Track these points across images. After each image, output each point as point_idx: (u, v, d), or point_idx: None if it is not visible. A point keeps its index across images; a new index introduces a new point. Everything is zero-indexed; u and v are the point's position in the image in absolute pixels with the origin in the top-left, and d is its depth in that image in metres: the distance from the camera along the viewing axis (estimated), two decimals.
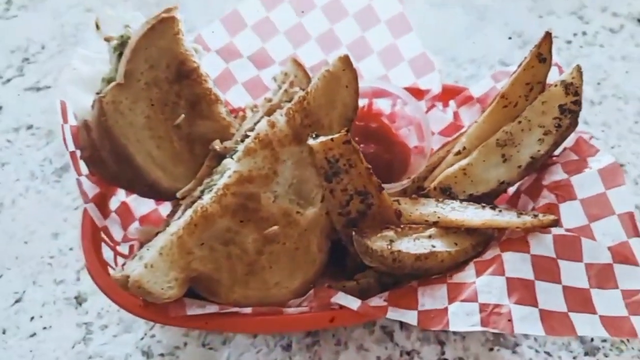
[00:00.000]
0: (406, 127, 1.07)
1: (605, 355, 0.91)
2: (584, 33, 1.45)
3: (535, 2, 1.53)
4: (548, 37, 0.91)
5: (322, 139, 0.81)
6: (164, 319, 0.80)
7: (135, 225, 1.00)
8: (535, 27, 1.44)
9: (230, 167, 0.83)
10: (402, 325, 0.95)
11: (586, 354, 0.92)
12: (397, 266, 0.79)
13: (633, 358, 0.91)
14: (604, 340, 0.93)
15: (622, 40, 1.43)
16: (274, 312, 0.82)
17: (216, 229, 0.80)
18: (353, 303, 0.79)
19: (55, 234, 1.12)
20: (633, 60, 1.38)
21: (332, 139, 0.80)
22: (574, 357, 0.92)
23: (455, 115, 1.08)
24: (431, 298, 0.80)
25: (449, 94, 1.09)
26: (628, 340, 0.93)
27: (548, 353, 0.92)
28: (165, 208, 1.02)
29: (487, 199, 0.90)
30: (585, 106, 1.25)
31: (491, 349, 0.92)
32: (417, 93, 1.08)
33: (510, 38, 1.41)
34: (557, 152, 0.93)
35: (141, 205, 1.02)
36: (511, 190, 0.96)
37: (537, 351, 0.92)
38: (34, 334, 0.99)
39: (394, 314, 0.78)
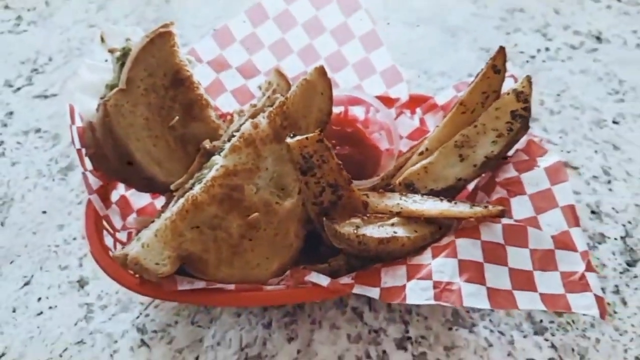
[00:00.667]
0: (378, 132, 1.14)
1: (552, 334, 0.97)
2: (547, 49, 1.54)
3: (504, 21, 1.62)
4: (502, 51, 0.98)
5: (298, 137, 0.87)
6: (158, 294, 0.87)
7: (133, 216, 1.05)
8: (503, 43, 1.47)
9: (218, 162, 0.88)
10: (371, 306, 1.01)
11: (535, 333, 0.98)
12: (362, 248, 0.85)
13: (577, 337, 0.97)
14: (552, 322, 0.99)
15: (581, 55, 1.52)
16: (255, 289, 0.87)
17: (205, 215, 0.85)
18: (324, 281, 0.86)
19: (60, 225, 1.17)
20: (591, 74, 1.46)
21: (306, 138, 0.86)
22: (524, 336, 0.97)
23: (422, 121, 1.15)
24: (392, 277, 0.86)
25: (415, 102, 1.16)
26: (573, 321, 0.99)
27: (501, 332, 0.98)
28: (159, 202, 1.08)
29: (446, 194, 0.96)
30: (546, 115, 1.35)
31: (450, 329, 0.98)
32: (387, 101, 1.15)
33: (477, 52, 1.51)
34: (510, 153, 0.98)
35: (139, 199, 1.07)
36: (471, 187, 1.02)
37: (491, 331, 0.98)
38: (41, 313, 1.03)
39: (359, 289, 0.85)
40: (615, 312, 1.01)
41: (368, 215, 0.91)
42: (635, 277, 1.06)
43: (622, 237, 1.12)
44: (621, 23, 1.61)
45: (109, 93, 0.93)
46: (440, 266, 0.85)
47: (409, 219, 0.92)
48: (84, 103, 0.97)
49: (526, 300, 0.84)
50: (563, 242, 0.88)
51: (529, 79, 0.97)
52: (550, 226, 0.90)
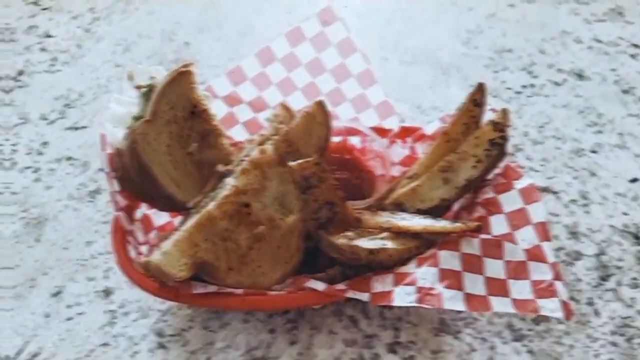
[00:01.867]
0: (373, 159, 1.21)
1: (530, 341, 1.03)
2: (532, 85, 1.62)
3: (492, 60, 1.71)
4: (481, 86, 1.05)
5: (299, 161, 0.95)
6: (175, 297, 0.94)
7: (155, 232, 1.12)
8: (490, 80, 1.61)
9: (230, 183, 0.96)
10: (366, 314, 1.08)
11: (514, 339, 1.03)
12: (353, 257, 0.93)
13: (552, 343, 1.03)
14: (530, 330, 1.05)
15: (564, 91, 1.59)
16: (260, 294, 0.95)
17: (217, 228, 0.90)
18: (321, 286, 0.94)
19: (88, 242, 1.23)
20: (572, 108, 1.54)
21: (306, 161, 0.94)
22: (505, 342, 1.03)
23: (412, 149, 1.22)
24: (381, 284, 0.94)
25: (406, 132, 1.23)
26: (549, 330, 1.05)
27: (483, 338, 1.04)
28: (177, 220, 1.10)
29: (432, 213, 1.04)
30: (529, 145, 1.43)
31: (437, 335, 1.04)
32: (381, 132, 1.21)
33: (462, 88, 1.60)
34: (490, 177, 1.06)
35: (159, 218, 1.13)
36: (456, 208, 1.09)
37: (474, 337, 1.04)
38: (70, 318, 1.09)
39: (351, 294, 0.93)
40: (588, 322, 1.08)
41: (360, 229, 1.00)
42: (608, 290, 1.13)
43: (596, 255, 1.20)
44: (601, 62, 1.70)
45: (136, 123, 0.98)
46: (423, 274, 0.93)
47: (397, 234, 0.99)
48: (113, 132, 1.03)
49: (499, 304, 0.91)
50: (535, 255, 0.95)
51: (505, 111, 1.05)
52: (524, 241, 0.97)
